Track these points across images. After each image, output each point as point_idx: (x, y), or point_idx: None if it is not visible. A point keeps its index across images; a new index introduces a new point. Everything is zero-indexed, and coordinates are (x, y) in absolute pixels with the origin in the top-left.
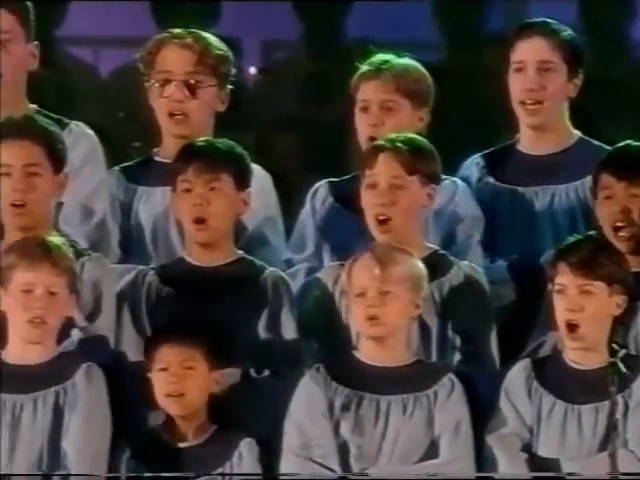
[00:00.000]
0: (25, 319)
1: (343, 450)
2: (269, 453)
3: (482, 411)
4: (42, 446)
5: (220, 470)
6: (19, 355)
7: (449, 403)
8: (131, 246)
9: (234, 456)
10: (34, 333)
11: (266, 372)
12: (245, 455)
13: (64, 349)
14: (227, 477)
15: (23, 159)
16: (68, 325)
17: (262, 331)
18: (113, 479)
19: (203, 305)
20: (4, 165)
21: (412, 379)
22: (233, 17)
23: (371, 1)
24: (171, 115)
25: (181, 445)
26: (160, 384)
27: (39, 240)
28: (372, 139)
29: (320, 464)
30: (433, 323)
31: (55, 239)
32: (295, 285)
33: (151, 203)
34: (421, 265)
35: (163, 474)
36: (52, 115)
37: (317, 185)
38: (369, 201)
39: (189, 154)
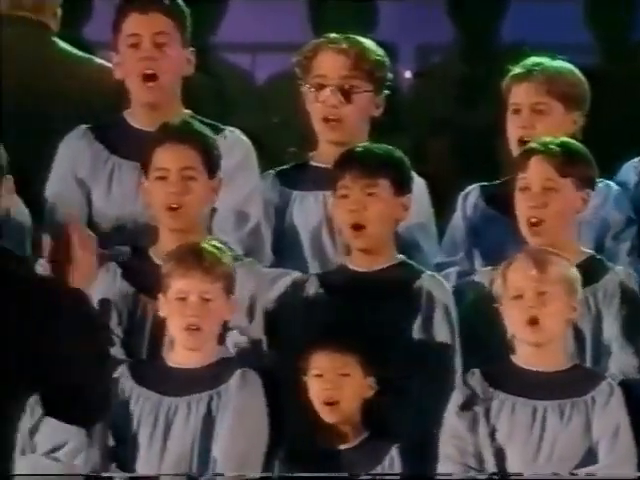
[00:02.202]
0: (181, 326)
1: (499, 456)
2: (423, 459)
3: None
4: (192, 448)
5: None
6: (180, 359)
7: (607, 408)
8: (284, 250)
9: (385, 460)
10: (190, 340)
11: (418, 377)
12: (397, 460)
13: (222, 354)
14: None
15: (179, 163)
16: (224, 328)
17: (416, 335)
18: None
19: (362, 310)
20: (160, 169)
21: (569, 384)
22: (390, 22)
23: (525, 3)
24: (326, 120)
25: (334, 448)
26: (315, 390)
27: (193, 247)
28: (522, 142)
29: (476, 469)
30: (587, 329)
31: (210, 245)
32: (449, 288)
33: (305, 207)
34: (574, 268)
35: (313, 474)
36: (207, 121)
37: (468, 189)
38: (522, 204)
39: (347, 160)
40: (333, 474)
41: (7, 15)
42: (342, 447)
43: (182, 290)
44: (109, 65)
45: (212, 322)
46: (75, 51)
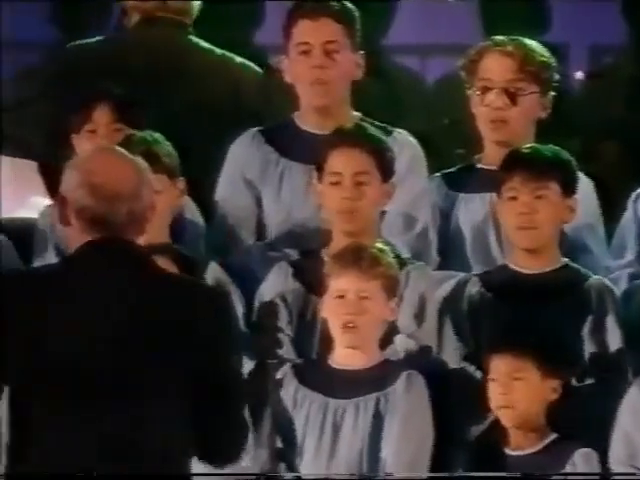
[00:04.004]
0: (338, 325)
1: None
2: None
3: None
4: (362, 451)
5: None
6: (342, 360)
7: None
8: (450, 252)
9: (567, 465)
10: (347, 338)
11: (589, 381)
12: (579, 466)
13: (387, 356)
14: None
15: (353, 167)
16: (393, 331)
17: (586, 339)
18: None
19: (527, 312)
20: (334, 173)
21: None
22: (562, 22)
23: None
24: (491, 122)
25: (513, 453)
26: (491, 394)
27: (354, 247)
28: None
29: None
30: None
31: (373, 246)
32: (618, 292)
33: (471, 210)
34: None
35: (493, 474)
36: (376, 123)
37: (639, 189)
38: None
39: (515, 162)
40: (512, 474)
41: (150, 16)
42: (522, 452)
43: (340, 289)
44: (250, 64)
45: (370, 321)
46: (218, 50)
